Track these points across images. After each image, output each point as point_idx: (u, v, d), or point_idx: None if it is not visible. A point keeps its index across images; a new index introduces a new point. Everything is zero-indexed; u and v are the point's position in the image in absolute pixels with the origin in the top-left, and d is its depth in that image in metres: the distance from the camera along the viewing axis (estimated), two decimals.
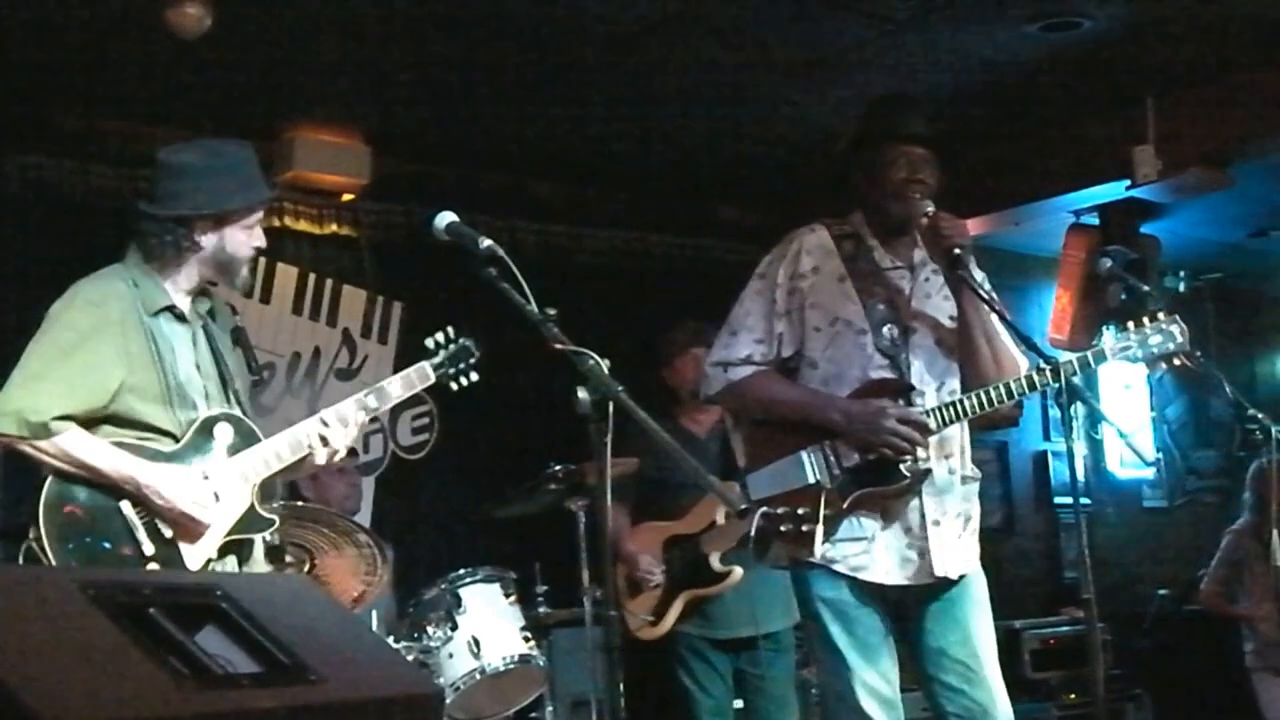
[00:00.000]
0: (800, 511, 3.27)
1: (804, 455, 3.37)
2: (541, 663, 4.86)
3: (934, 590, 3.38)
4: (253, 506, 3.24)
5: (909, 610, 3.40)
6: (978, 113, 6.16)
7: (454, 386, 3.52)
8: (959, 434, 3.46)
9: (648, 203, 7.32)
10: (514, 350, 3.55)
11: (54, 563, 2.97)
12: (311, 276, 6.41)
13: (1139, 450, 7.48)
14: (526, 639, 4.81)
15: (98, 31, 5.03)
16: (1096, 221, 7.00)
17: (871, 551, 3.34)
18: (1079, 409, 3.47)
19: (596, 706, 4.96)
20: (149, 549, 3.09)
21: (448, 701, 4.59)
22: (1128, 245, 6.85)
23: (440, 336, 3.52)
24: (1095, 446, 8.45)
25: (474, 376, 3.52)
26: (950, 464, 3.43)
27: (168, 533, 3.12)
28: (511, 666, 4.73)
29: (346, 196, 6.36)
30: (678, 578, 4.84)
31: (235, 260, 3.30)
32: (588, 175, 7.02)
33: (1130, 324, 3.40)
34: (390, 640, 4.71)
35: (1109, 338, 3.46)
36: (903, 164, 3.42)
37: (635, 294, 7.10)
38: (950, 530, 3.39)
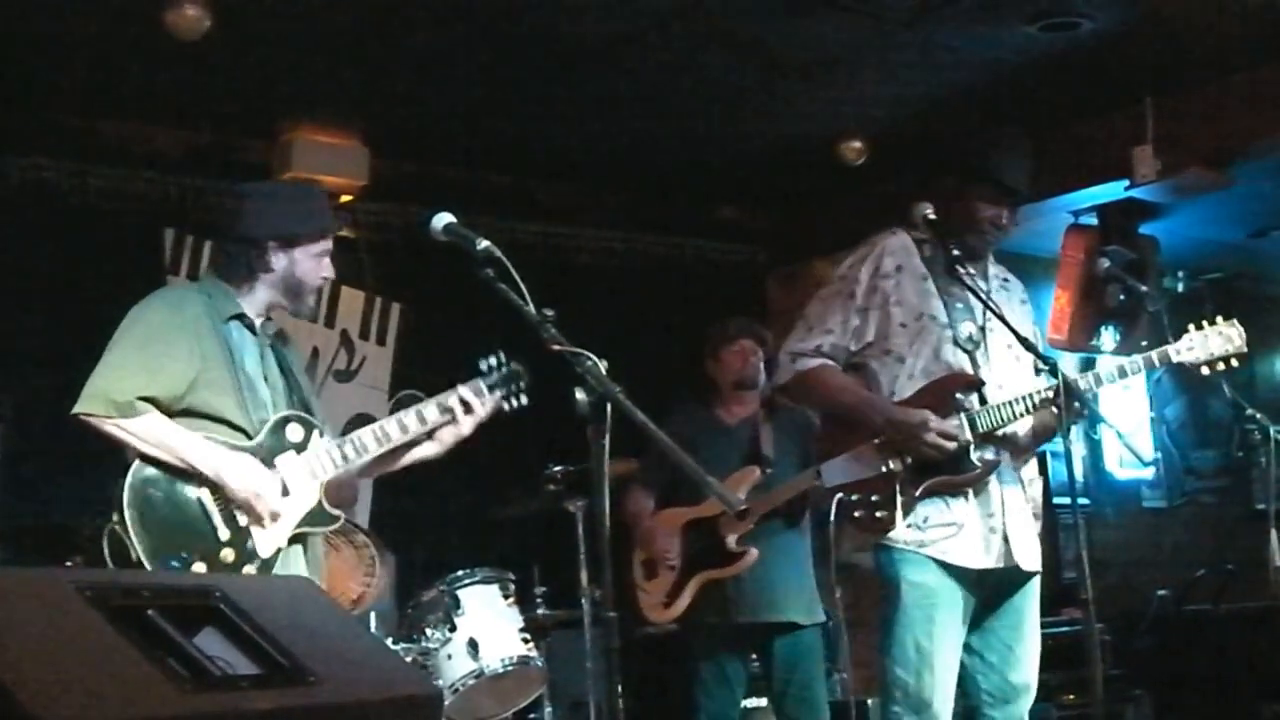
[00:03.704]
0: (874, 498, 3.51)
1: (878, 444, 3.54)
2: (540, 664, 4.86)
3: (1010, 580, 3.56)
4: (320, 503, 3.40)
5: (984, 596, 3.56)
6: (978, 113, 6.15)
7: (505, 408, 3.66)
8: (1025, 437, 3.63)
9: (648, 203, 7.31)
10: (513, 351, 3.56)
11: (137, 544, 3.13)
12: None
13: (1137, 450, 7.49)
14: (525, 640, 4.81)
15: (98, 31, 5.03)
16: (1095, 221, 6.99)
17: (959, 536, 3.49)
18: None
19: (595, 708, 4.95)
20: (224, 534, 3.25)
21: (446, 703, 4.58)
22: (1127, 245, 6.85)
23: (493, 360, 3.65)
24: (1094, 447, 8.44)
25: (524, 400, 3.68)
26: (1016, 461, 3.62)
27: (242, 520, 3.28)
28: (510, 668, 4.73)
29: (345, 197, 6.35)
30: (693, 560, 4.86)
31: (304, 285, 3.47)
32: (588, 175, 7.02)
33: (1190, 326, 3.67)
34: (389, 642, 4.71)
35: (1174, 345, 3.68)
36: (995, 209, 3.63)
37: (635, 294, 7.09)
38: (1023, 520, 3.58)
